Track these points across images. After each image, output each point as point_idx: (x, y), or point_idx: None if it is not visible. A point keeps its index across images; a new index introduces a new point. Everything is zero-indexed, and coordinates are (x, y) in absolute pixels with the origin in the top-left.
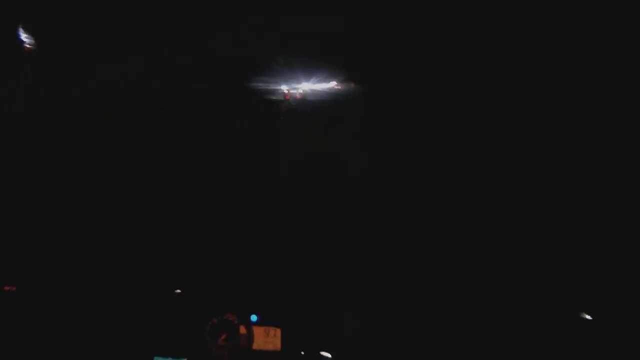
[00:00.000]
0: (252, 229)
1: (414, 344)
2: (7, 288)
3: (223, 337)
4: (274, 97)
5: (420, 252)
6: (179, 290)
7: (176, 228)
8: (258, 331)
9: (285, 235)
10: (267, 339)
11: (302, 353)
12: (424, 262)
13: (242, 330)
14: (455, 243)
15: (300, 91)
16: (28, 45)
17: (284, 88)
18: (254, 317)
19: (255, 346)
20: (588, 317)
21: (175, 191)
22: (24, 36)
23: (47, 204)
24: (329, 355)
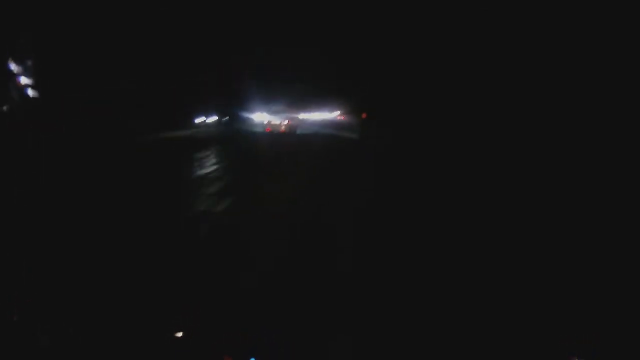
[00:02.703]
0: (249, 274)
1: None
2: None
3: None
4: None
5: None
6: (180, 334)
7: (177, 273)
8: None
9: (284, 279)
10: None
11: None
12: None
13: None
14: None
15: (289, 121)
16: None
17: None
18: None
19: None
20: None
21: (173, 233)
22: (12, 66)
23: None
24: None
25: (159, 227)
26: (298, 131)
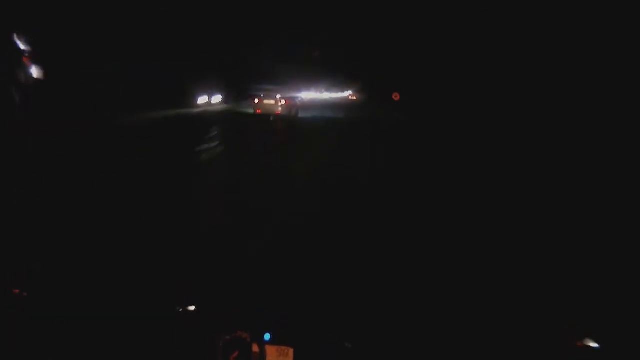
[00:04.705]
0: (266, 249)
1: None
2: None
3: (235, 354)
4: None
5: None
6: (192, 307)
7: (191, 246)
8: (270, 350)
9: (301, 255)
10: (279, 358)
11: None
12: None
13: (255, 348)
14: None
15: (286, 102)
16: (25, 52)
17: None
18: (267, 336)
19: None
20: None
21: (189, 208)
22: (21, 43)
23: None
24: None
25: (173, 202)
26: (300, 114)
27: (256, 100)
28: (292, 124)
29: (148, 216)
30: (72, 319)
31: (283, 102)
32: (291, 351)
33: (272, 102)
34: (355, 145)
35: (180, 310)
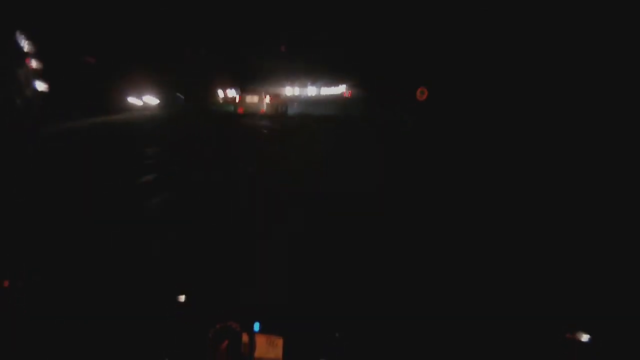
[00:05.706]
0: (257, 238)
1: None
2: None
3: (225, 343)
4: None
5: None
6: (183, 298)
7: (181, 235)
8: (260, 339)
9: (290, 247)
10: (268, 347)
11: None
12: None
13: (245, 338)
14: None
15: (272, 98)
16: (27, 51)
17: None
18: (256, 326)
19: (257, 354)
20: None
21: (180, 197)
22: (22, 42)
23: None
24: None
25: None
26: (290, 112)
27: (237, 98)
28: (280, 124)
29: (138, 211)
30: (65, 308)
31: (268, 98)
32: (280, 341)
33: (256, 99)
34: (358, 154)
35: (172, 300)
